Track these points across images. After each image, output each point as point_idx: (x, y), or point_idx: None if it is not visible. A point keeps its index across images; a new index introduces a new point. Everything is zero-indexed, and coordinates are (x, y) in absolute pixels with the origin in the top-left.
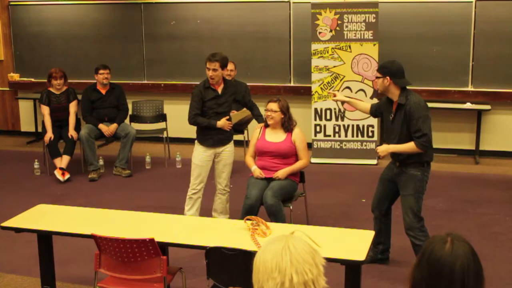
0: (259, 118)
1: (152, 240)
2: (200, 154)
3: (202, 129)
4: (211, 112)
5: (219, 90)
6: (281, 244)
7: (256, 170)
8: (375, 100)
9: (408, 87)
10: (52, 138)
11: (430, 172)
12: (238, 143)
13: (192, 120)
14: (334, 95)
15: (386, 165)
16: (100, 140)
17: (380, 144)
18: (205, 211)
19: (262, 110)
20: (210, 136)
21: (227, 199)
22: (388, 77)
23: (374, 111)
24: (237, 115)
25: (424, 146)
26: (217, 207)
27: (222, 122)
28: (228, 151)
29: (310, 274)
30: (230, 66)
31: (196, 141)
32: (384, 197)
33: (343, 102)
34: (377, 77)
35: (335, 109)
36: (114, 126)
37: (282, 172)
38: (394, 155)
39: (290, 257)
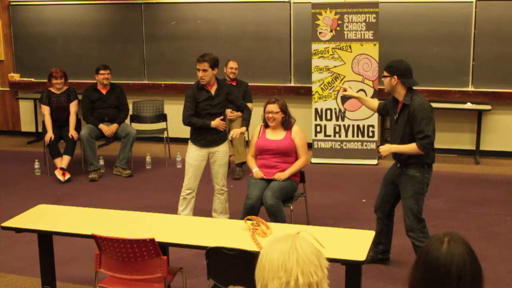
0: (245, 122)
1: (152, 240)
2: (193, 154)
3: (196, 129)
4: (204, 113)
5: (212, 91)
6: (288, 243)
7: (257, 172)
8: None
9: (414, 88)
10: (52, 138)
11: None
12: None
13: (186, 121)
14: (345, 90)
15: (390, 166)
16: (100, 140)
17: (381, 144)
18: (205, 212)
19: (261, 110)
20: (203, 136)
21: (225, 199)
22: (395, 76)
23: (381, 109)
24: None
25: (426, 147)
26: (217, 207)
27: (216, 122)
28: (222, 151)
29: (316, 276)
30: (234, 64)
31: (189, 141)
32: (387, 198)
33: (343, 102)
34: (384, 76)
35: (335, 109)
36: (114, 126)
37: (282, 175)
38: (395, 156)
39: (297, 257)
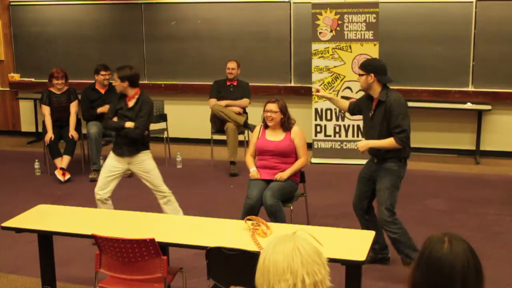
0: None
1: (152, 240)
2: (110, 161)
3: (116, 138)
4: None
5: (130, 103)
6: (289, 244)
7: (254, 172)
8: None
9: (390, 86)
10: (52, 138)
11: (407, 170)
12: (239, 144)
13: (104, 124)
14: (318, 91)
15: (365, 163)
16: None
17: None
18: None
19: (260, 110)
20: (120, 146)
21: (170, 201)
22: (372, 74)
23: (352, 109)
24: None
25: (403, 141)
26: (167, 211)
27: (129, 124)
28: (142, 160)
29: (320, 274)
30: (231, 64)
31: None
32: (363, 195)
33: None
34: (360, 75)
35: (335, 109)
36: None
37: (283, 175)
38: (372, 151)
39: (300, 258)
